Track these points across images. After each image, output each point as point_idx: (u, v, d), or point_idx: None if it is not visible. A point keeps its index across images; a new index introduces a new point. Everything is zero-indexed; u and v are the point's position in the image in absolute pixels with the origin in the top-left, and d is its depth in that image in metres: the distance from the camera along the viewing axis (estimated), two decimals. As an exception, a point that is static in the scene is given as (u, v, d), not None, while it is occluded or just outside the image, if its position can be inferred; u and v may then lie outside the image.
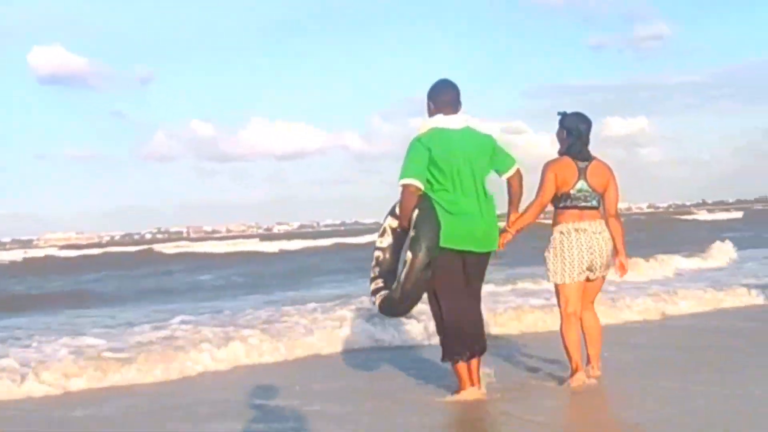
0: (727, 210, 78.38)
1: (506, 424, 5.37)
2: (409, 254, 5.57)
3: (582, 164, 6.12)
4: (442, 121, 5.82)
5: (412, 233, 5.61)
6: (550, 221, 6.28)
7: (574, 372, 6.10)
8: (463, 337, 5.76)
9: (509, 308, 9.76)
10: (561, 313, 6.18)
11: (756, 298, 10.85)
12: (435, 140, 5.72)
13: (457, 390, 5.90)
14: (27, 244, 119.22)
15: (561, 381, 6.21)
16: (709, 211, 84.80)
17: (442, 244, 5.61)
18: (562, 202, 6.12)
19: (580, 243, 6.06)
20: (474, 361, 5.84)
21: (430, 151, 5.68)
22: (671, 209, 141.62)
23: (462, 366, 5.82)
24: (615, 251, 6.20)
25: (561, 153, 6.22)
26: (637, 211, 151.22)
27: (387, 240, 5.90)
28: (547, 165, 6.16)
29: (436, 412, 5.68)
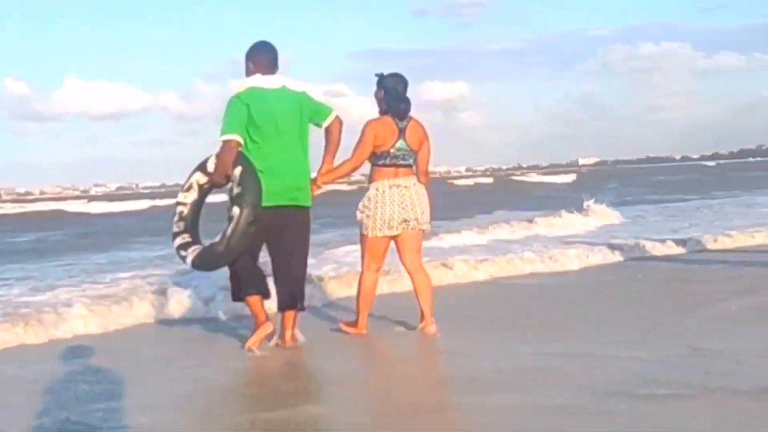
0: (556, 174, 78.70)
1: (313, 377, 5.50)
2: (236, 210, 5.68)
3: (402, 124, 6.33)
4: (259, 80, 6.02)
5: (237, 189, 5.72)
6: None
7: (357, 323, 6.44)
8: (252, 278, 5.92)
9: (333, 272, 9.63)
10: (364, 265, 6.42)
11: (615, 256, 11.12)
12: (253, 98, 5.90)
13: (254, 331, 5.99)
14: None
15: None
16: (540, 173, 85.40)
17: None
18: (381, 160, 6.31)
19: (393, 199, 6.27)
20: (289, 314, 6.07)
21: (249, 108, 5.85)
22: (488, 173, 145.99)
23: (255, 299, 5.93)
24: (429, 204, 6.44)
25: (382, 113, 6.40)
26: (456, 174, 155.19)
27: (192, 196, 6.00)
28: (368, 123, 6.34)
29: (239, 373, 5.66)
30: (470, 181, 70.34)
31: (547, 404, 4.33)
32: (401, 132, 6.31)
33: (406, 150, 6.33)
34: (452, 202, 27.06)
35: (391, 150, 6.29)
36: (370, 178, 6.39)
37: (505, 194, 36.62)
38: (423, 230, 6.47)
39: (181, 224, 5.97)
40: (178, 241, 5.96)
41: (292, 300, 6.07)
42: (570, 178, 64.05)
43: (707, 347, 5.52)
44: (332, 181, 6.45)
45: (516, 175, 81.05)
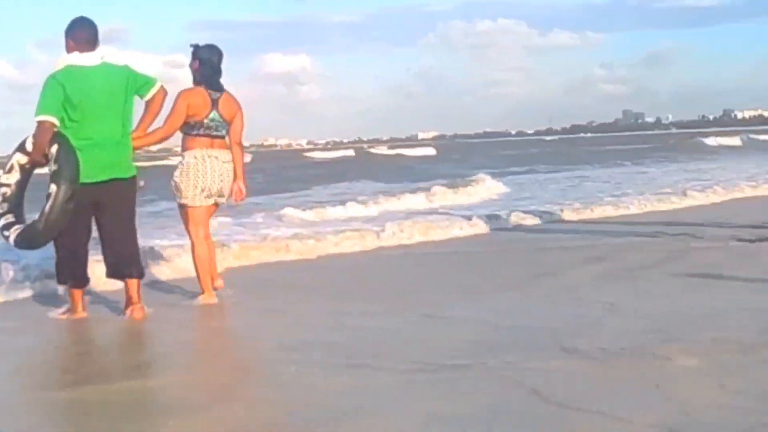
0: (413, 147, 75.60)
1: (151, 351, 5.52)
2: (53, 187, 5.70)
3: (215, 95, 6.40)
4: (77, 58, 5.96)
5: (54, 167, 5.74)
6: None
7: (204, 292, 6.46)
8: (70, 268, 6.03)
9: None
10: (192, 237, 6.49)
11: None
12: (69, 77, 5.87)
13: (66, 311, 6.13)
14: None
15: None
16: (391, 147, 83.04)
17: None
18: (195, 129, 6.37)
19: (213, 169, 6.36)
20: (131, 283, 6.08)
21: (65, 88, 5.81)
22: (329, 146, 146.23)
23: (77, 292, 6.08)
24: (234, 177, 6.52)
25: (196, 83, 6.44)
26: (297, 147, 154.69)
27: (15, 176, 6.01)
28: (181, 93, 6.40)
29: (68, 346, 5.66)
30: (330, 154, 67.22)
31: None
32: (214, 103, 6.37)
33: (219, 121, 6.40)
34: (315, 176, 26.90)
35: (205, 120, 6.35)
36: (184, 147, 6.42)
37: (371, 167, 35.82)
38: (218, 205, 6.59)
39: (5, 205, 5.98)
40: (1, 222, 5.96)
41: (118, 269, 6.12)
42: (429, 151, 64.47)
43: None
44: (141, 147, 6.44)
45: (370, 147, 79.66)
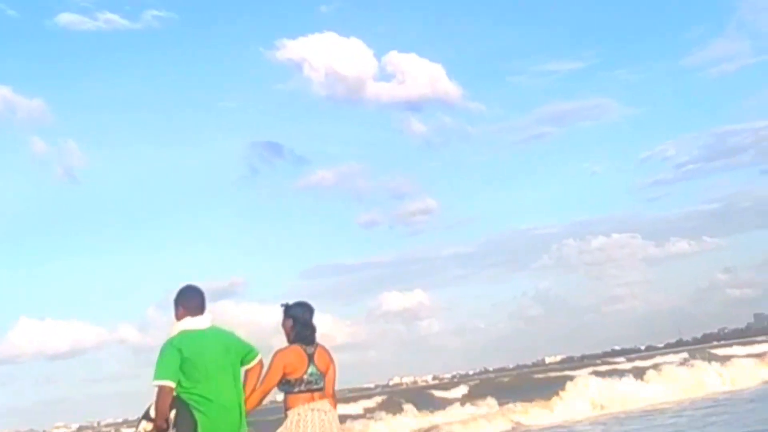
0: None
1: None
2: None
3: (310, 350, 6.54)
4: (190, 322, 6.32)
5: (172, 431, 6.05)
6: None
7: None
8: None
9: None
10: None
11: None
12: (185, 341, 6.23)
13: None
14: None
15: None
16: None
17: None
18: (296, 387, 6.50)
19: (314, 422, 6.43)
20: None
21: (181, 352, 6.13)
22: (456, 379, 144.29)
23: None
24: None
25: (291, 341, 6.60)
26: (423, 383, 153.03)
27: None
28: (277, 353, 6.54)
29: None
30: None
31: None
32: (310, 358, 6.51)
33: (317, 374, 6.53)
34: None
35: (304, 376, 6.47)
36: (287, 406, 6.53)
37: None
38: None
39: None
40: None
41: None
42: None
43: None
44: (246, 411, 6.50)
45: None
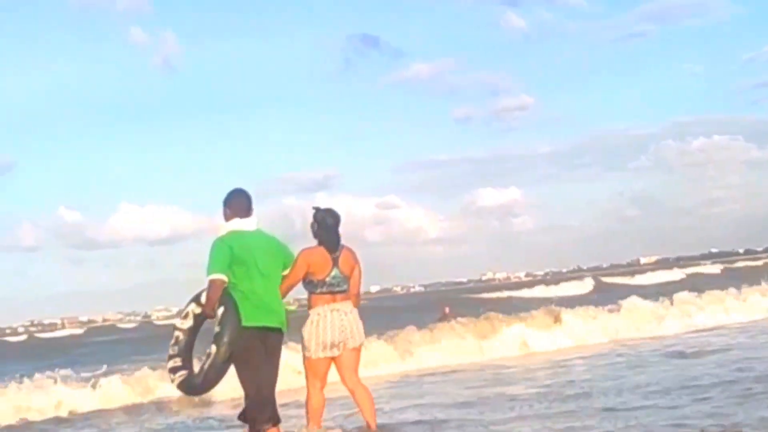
0: (663, 270, 66.84)
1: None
2: (213, 347, 6.38)
3: (335, 254, 6.87)
4: (238, 224, 6.72)
5: (217, 329, 6.40)
6: None
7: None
8: (264, 406, 6.52)
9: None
10: (309, 384, 6.95)
11: None
12: (235, 240, 6.60)
13: None
14: None
15: None
16: (635, 273, 72.07)
17: (244, 323, 6.39)
18: (318, 288, 6.84)
19: (333, 322, 6.79)
20: (275, 430, 6.60)
21: (232, 249, 6.50)
22: (548, 276, 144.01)
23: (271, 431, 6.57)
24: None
25: (318, 243, 6.93)
26: (516, 280, 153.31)
27: (188, 323, 6.64)
28: (302, 252, 6.90)
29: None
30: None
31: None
32: (335, 261, 6.84)
33: (340, 277, 6.87)
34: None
35: (327, 279, 6.82)
36: (310, 305, 6.91)
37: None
38: (358, 349, 6.96)
39: (176, 348, 6.59)
40: (170, 363, 6.61)
41: (266, 414, 6.54)
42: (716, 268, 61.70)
43: None
44: None
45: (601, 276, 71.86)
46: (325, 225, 6.93)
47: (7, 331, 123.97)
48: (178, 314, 6.85)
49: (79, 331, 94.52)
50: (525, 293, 51.36)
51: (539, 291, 53.22)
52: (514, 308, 19.12)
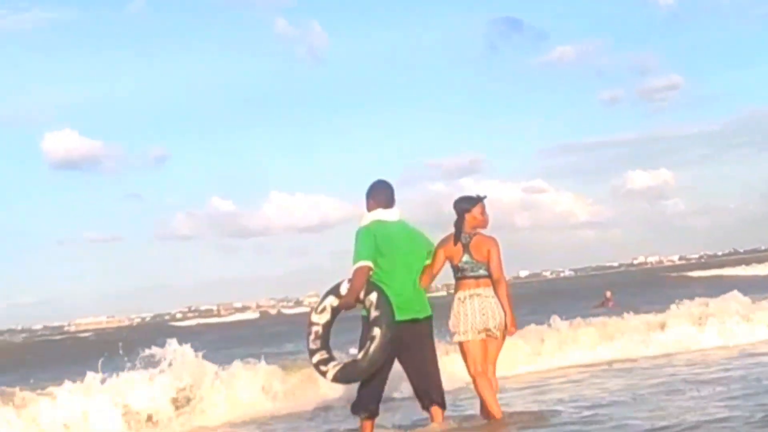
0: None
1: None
2: (376, 330, 6.52)
3: (465, 239, 6.97)
4: (382, 214, 6.90)
5: (376, 313, 6.56)
6: None
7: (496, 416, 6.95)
8: (370, 401, 6.71)
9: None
10: (470, 371, 6.96)
11: None
12: (378, 230, 6.78)
13: None
14: (58, 330, 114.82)
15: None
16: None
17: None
18: (457, 273, 6.98)
19: (474, 307, 6.84)
20: (435, 411, 6.81)
21: (376, 237, 6.71)
22: (702, 260, 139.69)
23: (365, 424, 6.77)
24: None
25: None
26: (669, 264, 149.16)
27: (325, 317, 6.78)
28: (439, 242, 7.07)
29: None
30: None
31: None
32: (465, 247, 6.96)
33: (472, 263, 6.95)
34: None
35: (459, 264, 6.95)
36: (455, 289, 7.02)
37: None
38: (495, 336, 6.92)
39: (318, 342, 6.73)
40: (317, 357, 6.72)
41: (429, 400, 6.80)
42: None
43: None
44: None
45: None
46: (456, 213, 7.09)
47: (166, 317, 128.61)
48: (313, 309, 6.90)
49: (254, 315, 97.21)
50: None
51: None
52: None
